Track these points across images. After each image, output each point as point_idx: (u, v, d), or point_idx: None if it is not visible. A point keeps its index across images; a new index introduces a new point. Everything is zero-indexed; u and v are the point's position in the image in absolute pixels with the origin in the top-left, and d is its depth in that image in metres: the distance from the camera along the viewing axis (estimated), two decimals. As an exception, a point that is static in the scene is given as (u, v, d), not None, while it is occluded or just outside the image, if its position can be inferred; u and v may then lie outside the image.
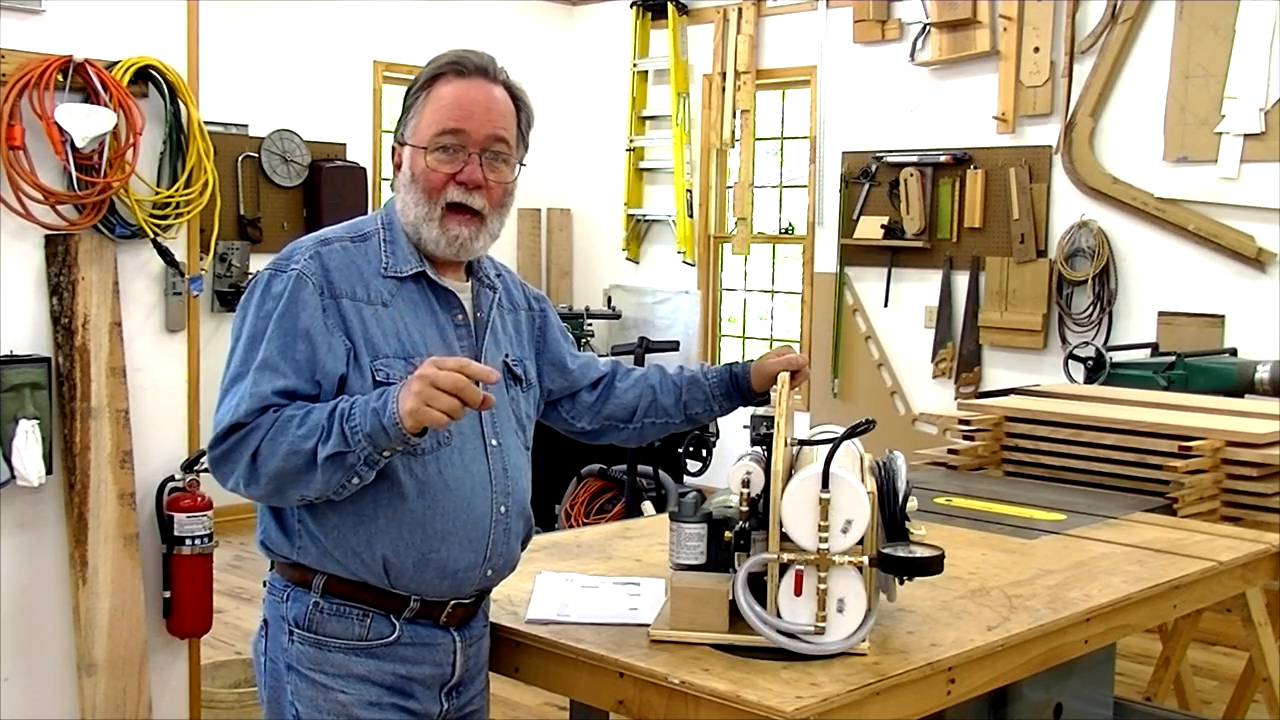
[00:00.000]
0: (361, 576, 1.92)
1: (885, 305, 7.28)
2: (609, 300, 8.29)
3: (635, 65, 8.46)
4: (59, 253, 3.28)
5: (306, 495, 1.84)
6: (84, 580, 3.32)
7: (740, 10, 7.86)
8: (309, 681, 1.94)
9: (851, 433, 1.94)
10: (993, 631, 2.08)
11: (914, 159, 7.00)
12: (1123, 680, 3.99)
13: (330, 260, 1.94)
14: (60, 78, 3.21)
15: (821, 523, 1.86)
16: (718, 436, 5.98)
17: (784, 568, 1.88)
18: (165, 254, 3.46)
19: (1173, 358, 5.27)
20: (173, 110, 3.44)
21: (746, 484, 1.97)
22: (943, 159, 6.89)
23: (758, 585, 1.91)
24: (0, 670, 3.24)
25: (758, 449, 2.08)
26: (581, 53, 8.87)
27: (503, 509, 1.99)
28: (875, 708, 1.83)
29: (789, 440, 1.99)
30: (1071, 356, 5.73)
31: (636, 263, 8.65)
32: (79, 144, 3.20)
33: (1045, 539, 2.78)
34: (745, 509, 1.97)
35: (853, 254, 7.38)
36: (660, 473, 5.71)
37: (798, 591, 1.88)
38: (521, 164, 2.05)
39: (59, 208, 3.26)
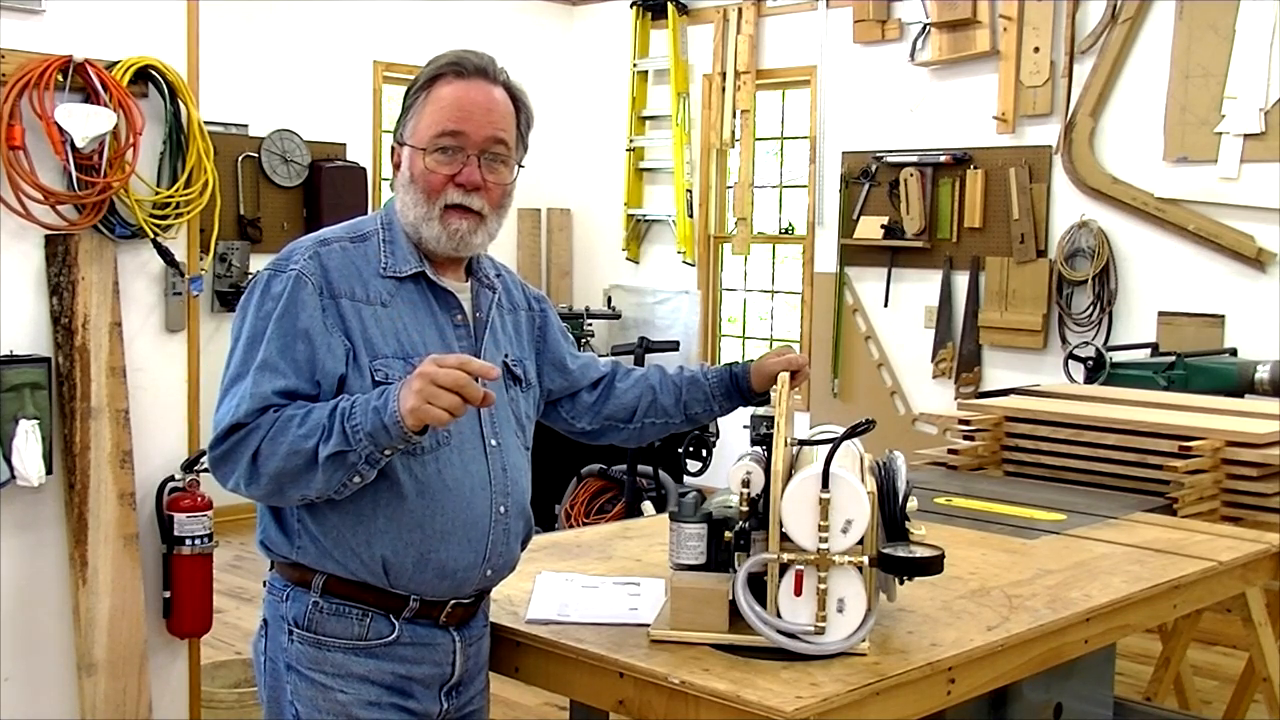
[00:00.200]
0: (361, 576, 1.92)
1: (885, 305, 7.28)
2: (609, 300, 8.29)
3: (635, 65, 8.47)
4: (59, 253, 3.28)
5: (307, 495, 1.84)
6: (84, 580, 3.32)
7: (740, 10, 7.86)
8: (308, 681, 1.94)
9: (851, 433, 1.94)
10: (993, 631, 2.08)
11: (914, 159, 7.00)
12: (1123, 680, 3.99)
13: (329, 260, 1.94)
14: (60, 78, 3.21)
15: (821, 523, 1.86)
16: (718, 436, 5.98)
17: (784, 568, 1.88)
18: (165, 254, 3.46)
19: (1173, 358, 5.27)
20: (173, 110, 3.44)
21: (746, 484, 1.97)
22: (943, 159, 6.89)
23: (758, 585, 1.91)
24: (0, 670, 3.24)
25: (758, 449, 2.08)
26: (581, 53, 8.87)
27: (502, 509, 1.99)
28: (875, 708, 1.83)
29: (789, 440, 1.99)
30: (1071, 356, 5.73)
31: (636, 263, 8.65)
32: (79, 144, 3.20)
33: (1045, 539, 2.78)
34: (745, 509, 1.97)
35: (853, 254, 7.38)
36: (660, 473, 5.71)
37: (798, 591, 1.88)
38: (520, 165, 2.05)
39: (59, 208, 3.26)
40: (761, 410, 2.16)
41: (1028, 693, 2.36)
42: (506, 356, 2.09)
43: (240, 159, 7.08)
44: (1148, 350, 5.75)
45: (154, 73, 3.41)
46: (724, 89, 7.99)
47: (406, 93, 2.02)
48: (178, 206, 3.46)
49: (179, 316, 3.55)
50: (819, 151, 7.54)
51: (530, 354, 2.19)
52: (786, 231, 8.23)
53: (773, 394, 2.20)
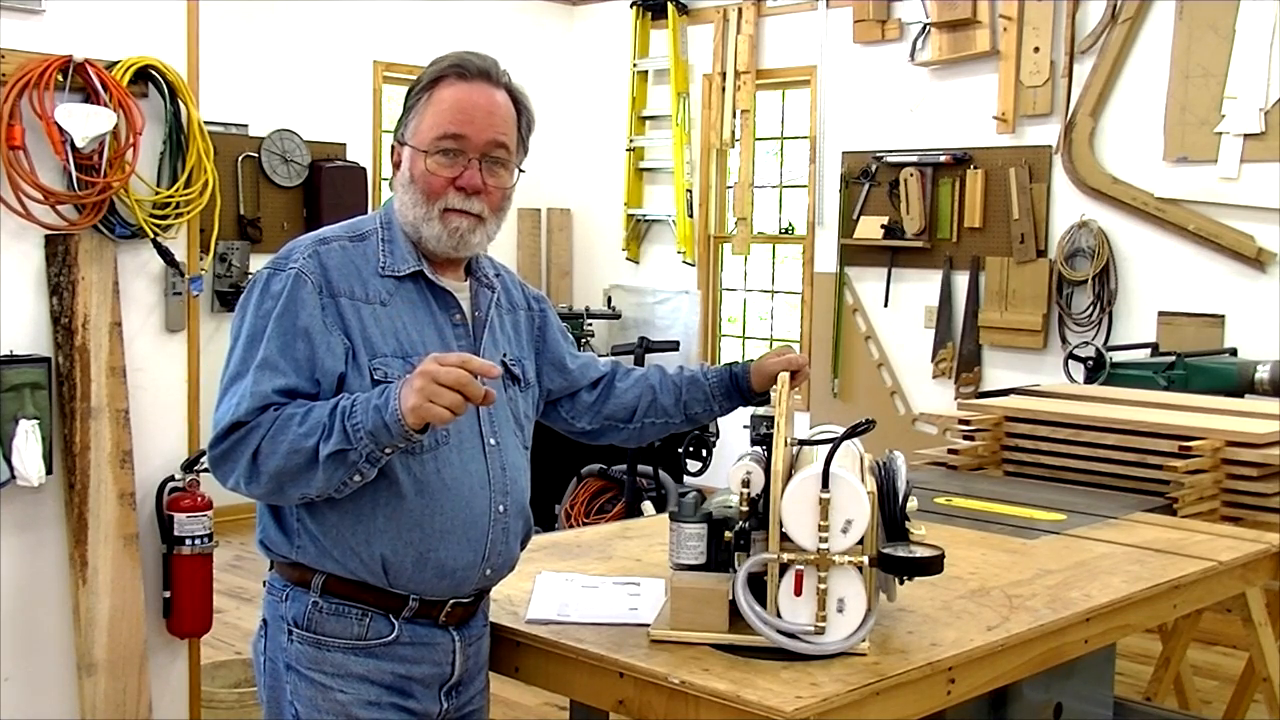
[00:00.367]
0: (360, 576, 1.92)
1: (885, 305, 7.28)
2: (609, 300, 8.29)
3: (635, 65, 8.47)
4: (59, 253, 3.28)
5: (307, 493, 1.84)
6: (84, 580, 3.32)
7: (740, 10, 7.86)
8: (308, 681, 1.94)
9: (851, 433, 1.94)
10: (993, 631, 2.08)
11: (914, 159, 7.00)
12: (1123, 680, 3.99)
13: (329, 259, 1.94)
14: (60, 78, 3.21)
15: (821, 523, 1.86)
16: (718, 436, 5.98)
17: (784, 568, 1.88)
18: (165, 254, 3.46)
19: (1173, 358, 5.27)
20: (173, 110, 3.44)
21: (746, 484, 1.97)
22: (943, 159, 6.89)
23: (758, 585, 1.91)
24: (0, 670, 3.24)
25: (758, 449, 2.08)
26: (581, 53, 8.87)
27: (501, 508, 1.99)
28: (875, 708, 1.83)
29: (789, 440, 1.99)
30: (1071, 356, 5.73)
31: (636, 263, 8.65)
32: (79, 144, 3.20)
33: (1045, 539, 2.78)
34: (745, 509, 1.97)
35: (853, 254, 7.38)
36: (660, 473, 5.71)
37: (798, 591, 1.88)
38: (520, 169, 2.05)
39: (59, 208, 3.26)
40: (761, 410, 2.16)
41: (1028, 693, 2.36)
42: (505, 356, 2.09)
43: (240, 159, 7.08)
44: (1148, 350, 5.75)
45: (154, 73, 3.41)
46: (724, 89, 7.99)
47: (409, 92, 2.02)
48: (178, 206, 3.46)
49: (179, 316, 3.55)
50: (819, 151, 7.54)
51: (529, 354, 2.19)
52: (786, 231, 8.23)
53: (773, 394, 2.20)
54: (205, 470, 2.32)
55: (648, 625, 2.01)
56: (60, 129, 3.19)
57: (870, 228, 7.21)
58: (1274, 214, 5.83)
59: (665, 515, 2.21)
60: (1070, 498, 3.22)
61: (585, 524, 5.59)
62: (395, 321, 1.95)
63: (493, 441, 2.00)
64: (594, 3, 8.77)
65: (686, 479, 5.95)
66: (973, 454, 3.61)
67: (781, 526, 1.87)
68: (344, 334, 1.90)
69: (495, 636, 2.11)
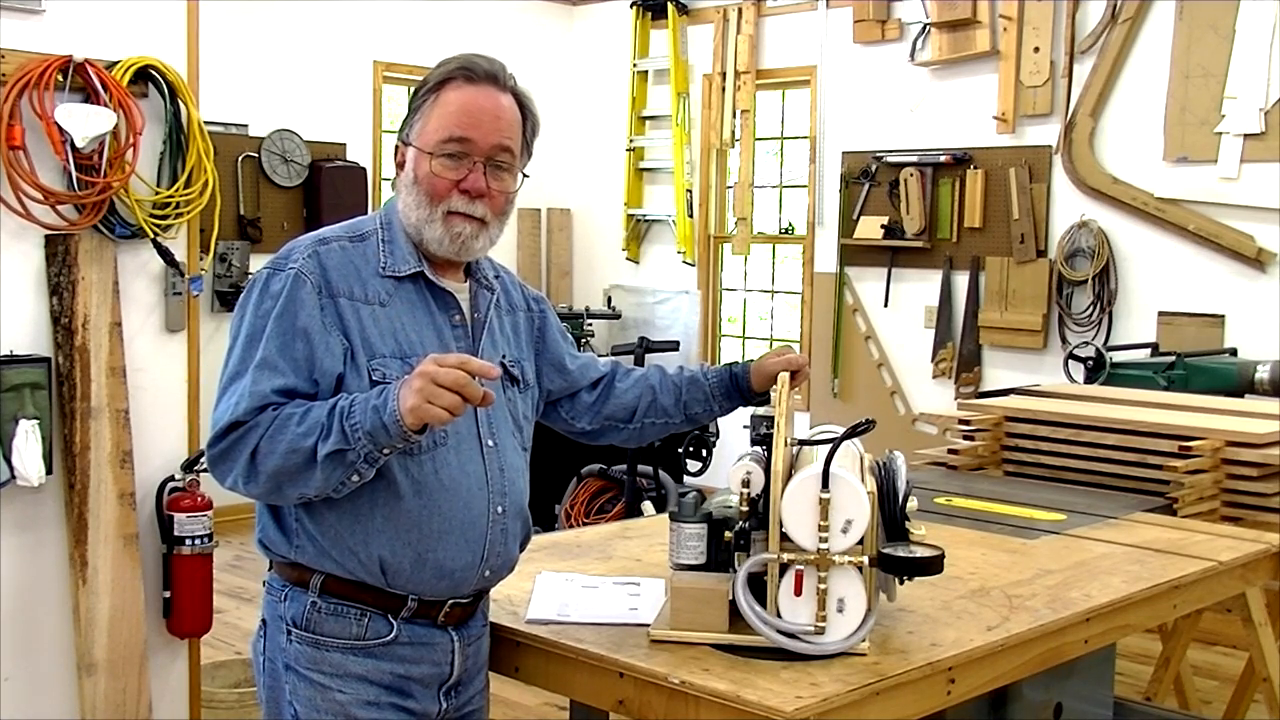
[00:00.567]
0: (359, 576, 1.92)
1: (885, 305, 7.28)
2: (609, 300, 8.29)
3: (635, 65, 8.47)
4: (59, 253, 3.28)
5: (306, 493, 1.84)
6: (84, 580, 3.32)
7: (740, 10, 7.86)
8: (307, 681, 1.94)
9: (851, 433, 1.94)
10: (993, 631, 2.08)
11: (914, 159, 7.00)
12: (1123, 680, 3.99)
13: (328, 260, 1.94)
14: (60, 78, 3.21)
15: (821, 523, 1.86)
16: (718, 436, 5.98)
17: (784, 568, 1.88)
18: (165, 254, 3.46)
19: (1173, 358, 5.27)
20: (173, 110, 3.44)
21: (746, 484, 1.97)
22: (943, 159, 6.89)
23: (758, 585, 1.91)
24: (0, 670, 3.24)
25: (758, 449, 2.08)
26: (581, 53, 8.87)
27: (500, 509, 1.99)
28: (875, 708, 1.83)
29: (789, 440, 1.99)
30: (1071, 356, 5.73)
31: (636, 263, 8.65)
32: (79, 144, 3.20)
33: (1045, 539, 2.78)
34: (745, 509, 1.97)
35: (853, 254, 7.38)
36: (660, 473, 5.71)
37: (798, 591, 1.88)
38: (525, 174, 2.05)
39: (59, 208, 3.26)
40: (761, 410, 2.16)
41: (1028, 693, 2.36)
42: (504, 357, 2.09)
43: (240, 159, 7.08)
44: (1148, 350, 5.75)
45: (154, 73, 3.41)
46: (724, 89, 7.99)
47: (415, 93, 2.01)
48: (178, 206, 3.46)
49: (179, 316, 3.55)
50: (819, 151, 7.54)
51: (529, 355, 2.19)
52: (786, 231, 8.23)
53: (773, 394, 2.20)
54: (205, 470, 2.32)
55: (648, 625, 2.01)
56: (60, 129, 3.19)
57: (870, 228, 7.21)
58: (1274, 214, 5.83)
59: (665, 515, 2.21)
60: (1070, 498, 3.22)
61: (585, 524, 5.59)
62: (394, 322, 1.94)
63: (491, 443, 2.00)
64: (594, 3, 8.77)
65: (686, 479, 5.95)
66: (973, 454, 3.61)
67: (781, 526, 1.87)
68: (343, 334, 1.90)
69: (495, 636, 2.11)
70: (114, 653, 3.36)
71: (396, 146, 2.03)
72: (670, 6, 8.13)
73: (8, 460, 3.16)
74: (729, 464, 2.05)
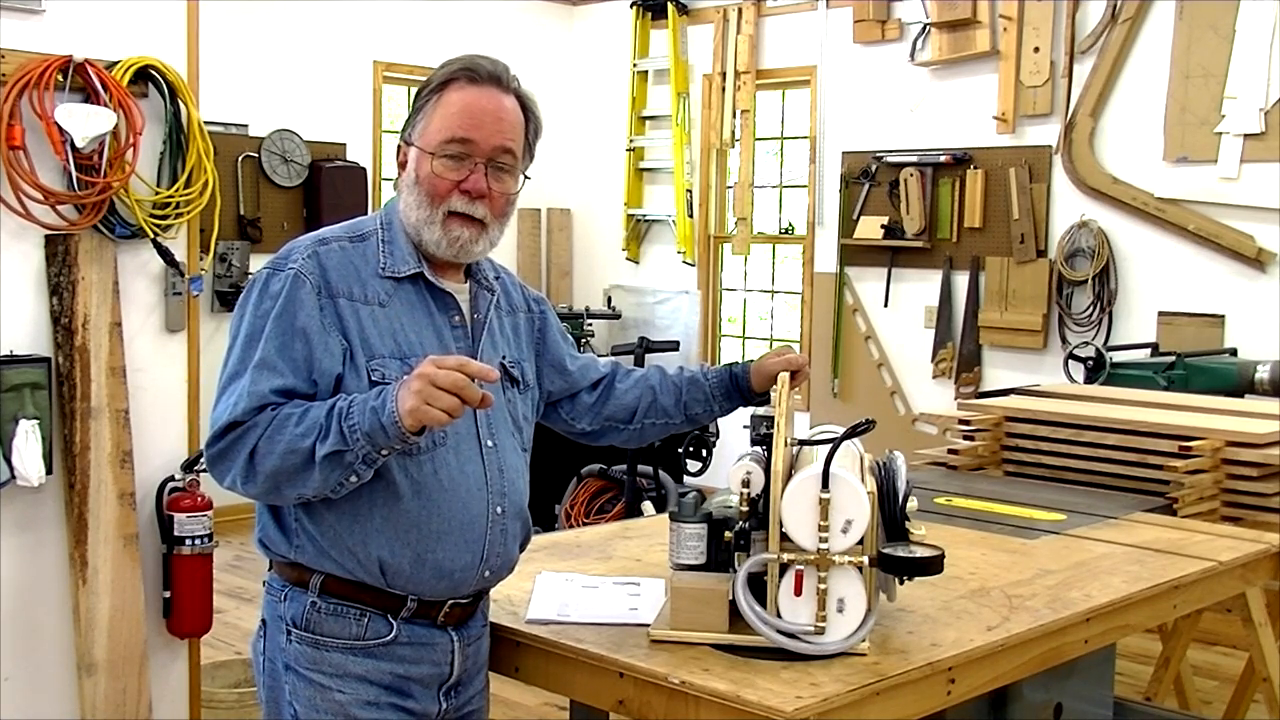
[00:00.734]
0: (358, 576, 1.92)
1: (885, 305, 7.28)
2: (609, 300, 8.29)
3: (635, 65, 8.47)
4: (59, 253, 3.28)
5: (304, 494, 1.84)
6: (84, 580, 3.32)
7: (740, 10, 7.86)
8: (307, 681, 1.94)
9: (851, 433, 1.94)
10: (993, 631, 2.08)
11: (914, 159, 7.00)
12: (1123, 680, 3.99)
13: (328, 260, 1.94)
14: (60, 78, 3.21)
15: (821, 523, 1.86)
16: (718, 436, 5.98)
17: (784, 568, 1.88)
18: (165, 254, 3.46)
19: (1173, 358, 5.27)
20: (173, 110, 3.44)
21: (746, 484, 1.97)
22: (943, 159, 6.89)
23: (758, 585, 1.91)
24: (0, 670, 3.24)
25: (758, 449, 2.08)
26: (581, 53, 8.87)
27: (499, 509, 1.99)
28: (875, 708, 1.83)
29: (789, 440, 1.99)
30: (1071, 356, 5.73)
31: (636, 263, 8.65)
32: (79, 144, 3.20)
33: (1045, 539, 2.78)
34: (745, 509, 1.97)
35: (853, 254, 7.38)
36: (660, 473, 5.71)
37: (798, 591, 1.88)
38: (526, 175, 2.05)
39: (59, 208, 3.26)
40: (761, 410, 2.16)
41: (1028, 693, 2.36)
42: (504, 358, 2.09)
43: (240, 159, 7.08)
44: (1148, 350, 5.75)
45: (154, 73, 3.41)
46: (724, 89, 7.99)
47: (418, 93, 2.01)
48: (178, 206, 3.46)
49: (179, 316, 3.55)
50: (819, 151, 7.54)
51: (529, 356, 2.18)
52: (786, 231, 8.23)
53: (773, 394, 2.20)
54: (205, 470, 2.32)
55: (648, 625, 2.01)
56: (60, 129, 3.19)
57: (870, 228, 7.21)
58: (1274, 214, 5.83)
59: (665, 515, 2.21)
60: (1070, 498, 3.22)
61: (585, 524, 5.59)
62: (394, 323, 1.94)
63: (490, 443, 2.00)
64: (594, 3, 8.77)
65: (686, 479, 5.95)
66: (973, 454, 3.61)
67: (781, 526, 1.87)
68: (342, 335, 1.90)
69: (495, 636, 2.11)
70: (114, 653, 3.36)
71: (399, 147, 2.03)
72: (670, 6, 8.13)
73: (8, 460, 3.16)
74: (729, 464, 2.05)
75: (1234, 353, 5.65)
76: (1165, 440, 3.30)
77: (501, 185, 1.99)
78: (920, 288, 7.12)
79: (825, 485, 1.85)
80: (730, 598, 1.94)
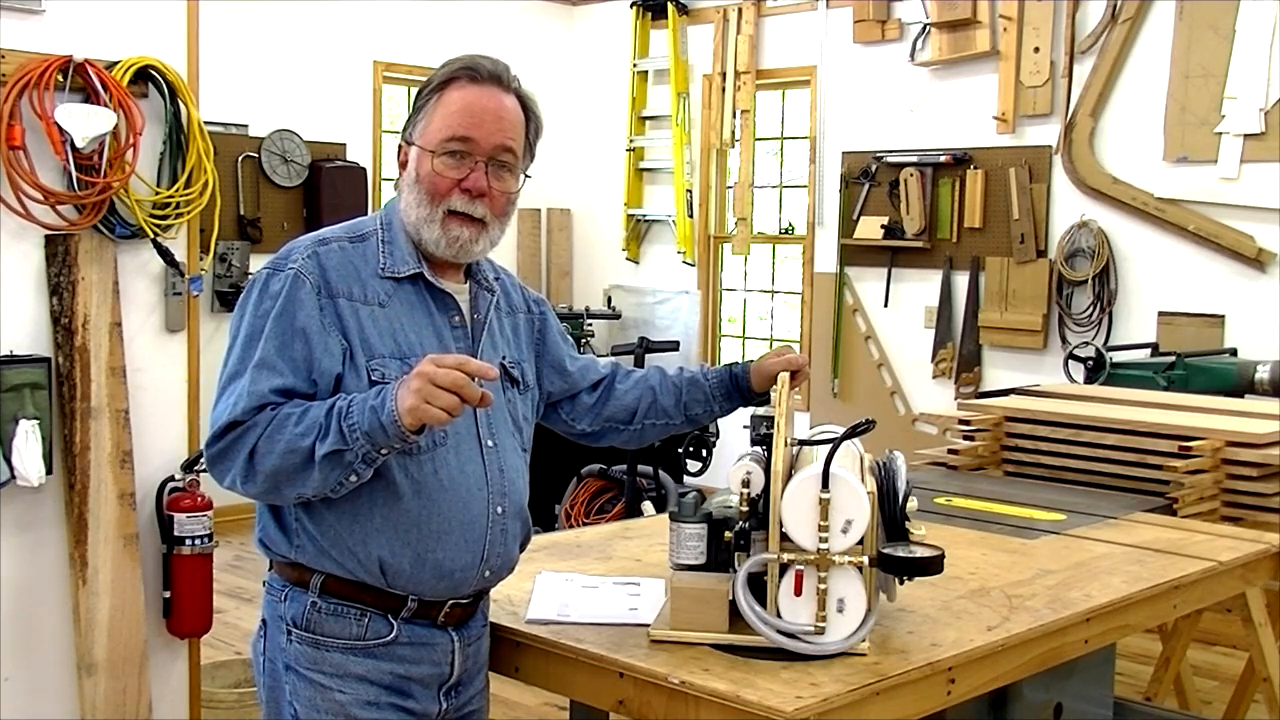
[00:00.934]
0: (359, 576, 1.92)
1: (885, 305, 7.28)
2: (609, 300, 8.29)
3: (635, 65, 8.47)
4: (59, 253, 3.28)
5: (304, 493, 1.84)
6: (84, 580, 3.32)
7: (740, 10, 7.86)
8: (307, 681, 1.94)
9: (851, 433, 1.94)
10: (993, 631, 2.08)
11: (914, 159, 7.00)
12: (1123, 680, 3.99)
13: (328, 260, 1.94)
14: (60, 78, 3.21)
15: (821, 523, 1.86)
16: (718, 436, 5.99)
17: (784, 568, 1.88)
18: (165, 254, 3.46)
19: (1173, 358, 5.27)
20: (173, 110, 3.44)
21: (746, 484, 1.97)
22: (943, 159, 6.89)
23: (758, 585, 1.91)
24: (0, 670, 3.24)
25: (758, 449, 2.08)
26: (581, 53, 8.87)
27: (499, 509, 1.99)
28: (875, 708, 1.83)
29: (789, 440, 1.99)
30: (1071, 356, 5.73)
31: (636, 263, 8.65)
32: (79, 144, 3.20)
33: (1045, 539, 2.78)
34: (745, 509, 1.97)
35: (853, 254, 7.38)
36: (660, 473, 5.71)
37: (798, 591, 1.88)
38: (526, 175, 2.05)
39: (59, 208, 3.26)
40: (761, 410, 2.16)
41: (1028, 693, 2.36)
42: (504, 359, 2.09)
43: (240, 159, 7.08)
44: (1148, 350, 5.75)
45: (154, 73, 3.41)
46: (724, 89, 7.99)
47: (419, 92, 2.02)
48: (178, 206, 3.46)
49: (179, 316, 3.55)
50: (819, 151, 7.54)
51: (529, 356, 2.19)
52: (786, 231, 8.23)
53: (773, 394, 2.20)
54: (205, 470, 2.32)
55: (648, 625, 2.01)
56: (60, 129, 3.19)
57: (870, 228, 7.21)
58: (1274, 214, 5.83)
59: (665, 515, 2.21)
60: (1070, 498, 3.22)
61: (585, 524, 5.59)
62: (393, 323, 1.95)
63: (490, 443, 2.00)
64: (594, 3, 8.77)
65: (686, 479, 5.95)
66: (973, 454, 3.61)
67: (781, 526, 1.87)
68: (342, 335, 1.90)
69: (495, 636, 2.11)
70: (114, 653, 3.36)
71: (399, 146, 2.04)
72: (670, 6, 8.13)
73: (8, 460, 3.16)
74: (729, 464, 2.05)
75: (1234, 353, 5.65)
76: (1165, 440, 3.30)
77: (502, 184, 2.00)
78: (920, 288, 7.12)
79: (825, 485, 1.85)
80: (730, 598, 1.94)
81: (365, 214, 2.19)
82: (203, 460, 2.87)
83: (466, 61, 1.99)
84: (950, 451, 3.64)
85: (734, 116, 7.94)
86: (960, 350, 6.93)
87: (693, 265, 8.31)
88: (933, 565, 1.92)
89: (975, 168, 6.80)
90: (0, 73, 3.14)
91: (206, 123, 3.55)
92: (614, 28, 8.59)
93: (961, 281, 6.94)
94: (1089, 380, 5.39)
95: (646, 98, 8.55)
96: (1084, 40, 6.41)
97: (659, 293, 8.42)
